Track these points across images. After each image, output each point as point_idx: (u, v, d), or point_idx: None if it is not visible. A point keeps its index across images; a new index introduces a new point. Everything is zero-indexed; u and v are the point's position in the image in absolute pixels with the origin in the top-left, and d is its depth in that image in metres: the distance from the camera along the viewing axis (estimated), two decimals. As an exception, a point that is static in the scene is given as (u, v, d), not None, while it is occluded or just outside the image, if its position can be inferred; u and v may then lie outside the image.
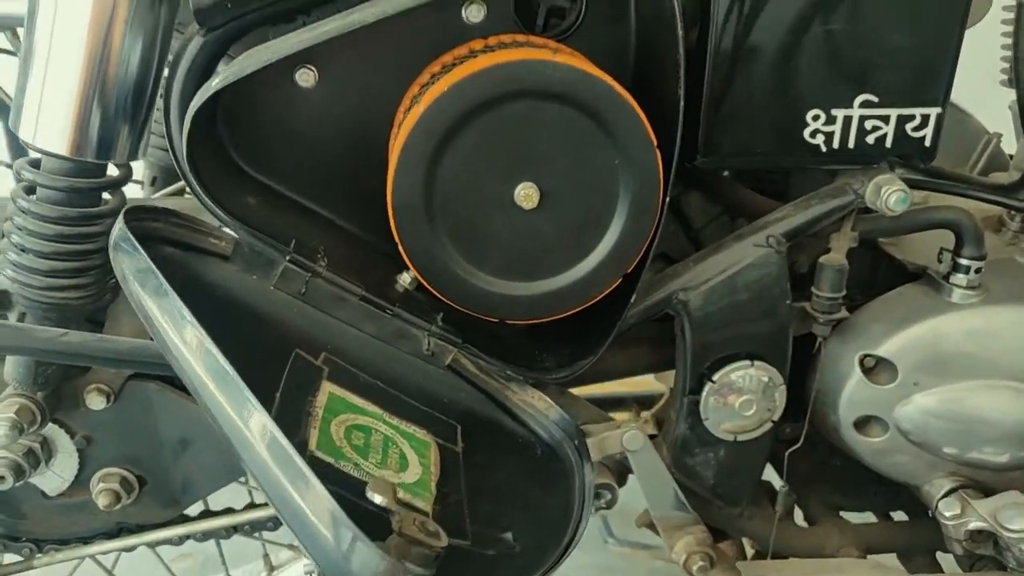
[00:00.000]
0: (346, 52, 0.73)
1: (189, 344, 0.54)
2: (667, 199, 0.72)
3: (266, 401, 0.60)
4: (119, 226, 0.60)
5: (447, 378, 0.75)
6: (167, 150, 0.74)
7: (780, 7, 0.73)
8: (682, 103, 0.69)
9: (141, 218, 0.65)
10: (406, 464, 0.65)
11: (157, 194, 1.07)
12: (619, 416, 1.25)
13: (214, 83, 0.65)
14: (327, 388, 0.67)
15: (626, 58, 0.75)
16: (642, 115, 0.68)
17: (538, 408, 0.76)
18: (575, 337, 0.79)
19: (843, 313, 0.84)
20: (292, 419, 0.62)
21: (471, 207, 0.70)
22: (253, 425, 0.55)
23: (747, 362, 0.84)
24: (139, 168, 1.16)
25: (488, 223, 0.71)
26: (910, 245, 0.93)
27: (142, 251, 0.57)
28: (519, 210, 0.70)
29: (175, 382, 0.80)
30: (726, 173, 0.92)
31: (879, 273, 0.93)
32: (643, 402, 1.28)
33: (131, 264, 0.58)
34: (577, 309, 0.75)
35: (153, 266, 0.56)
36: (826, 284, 0.83)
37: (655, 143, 0.69)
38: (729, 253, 0.83)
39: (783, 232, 0.83)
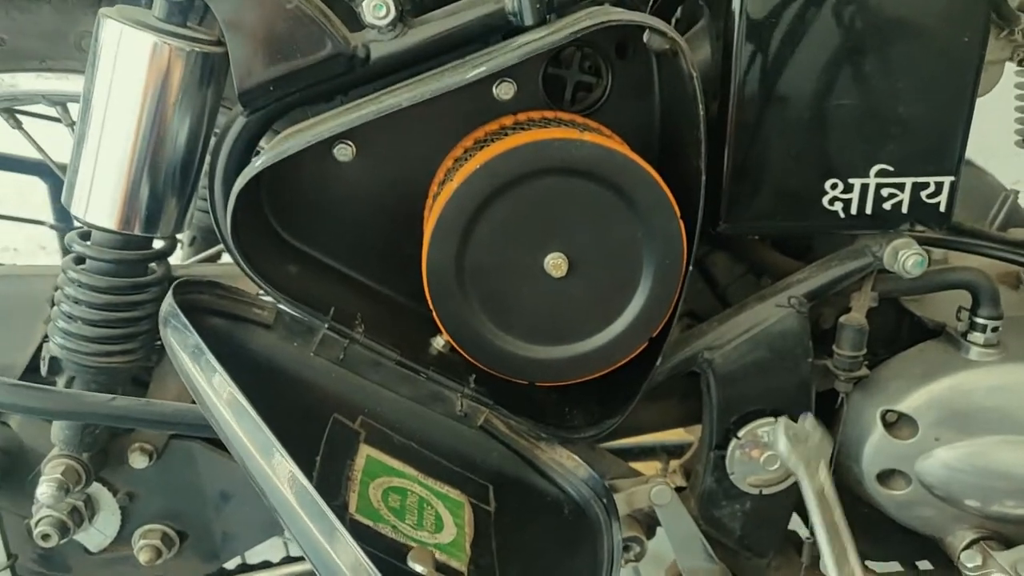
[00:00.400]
0: (382, 129, 0.76)
1: (236, 415, 0.57)
2: (690, 267, 0.74)
3: (307, 466, 0.63)
4: (168, 302, 0.64)
5: (479, 438, 0.77)
6: (206, 212, 0.77)
7: (797, 83, 0.76)
8: (703, 176, 0.71)
9: (188, 291, 0.68)
10: (441, 525, 0.68)
11: (196, 256, 1.10)
12: (648, 466, 1.28)
13: (257, 163, 0.68)
14: (365, 451, 0.70)
15: (651, 131, 0.78)
16: (665, 188, 0.71)
17: (567, 467, 0.78)
18: (603, 396, 0.81)
19: (863, 371, 0.86)
20: (332, 483, 0.65)
21: (502, 275, 0.73)
22: (295, 492, 0.57)
23: (772, 418, 0.86)
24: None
25: (518, 290, 0.74)
26: (931, 302, 0.94)
27: (192, 329, 0.60)
28: (548, 278, 0.73)
29: (216, 441, 0.83)
30: (754, 236, 0.94)
31: (902, 329, 0.94)
32: (672, 451, 1.31)
33: (180, 340, 0.61)
34: (604, 372, 0.77)
35: (202, 343, 0.60)
36: (847, 343, 0.85)
37: (678, 214, 0.72)
38: (752, 313, 0.85)
39: (804, 293, 0.85)
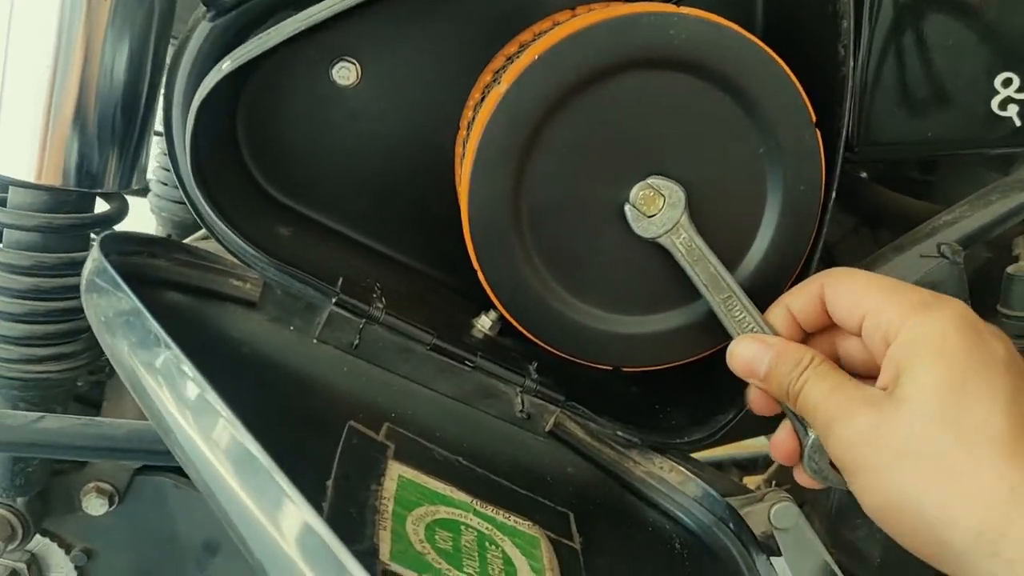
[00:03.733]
0: (395, 38, 0.57)
1: (196, 414, 0.36)
2: (832, 195, 0.54)
3: (313, 494, 0.42)
4: (93, 257, 0.43)
5: (549, 448, 0.57)
6: (182, 202, 0.57)
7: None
8: (850, 64, 0.51)
9: (130, 251, 0.47)
10: (514, 572, 0.47)
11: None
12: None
13: (225, 64, 0.48)
14: (395, 470, 0.49)
15: (752, 14, 0.58)
16: (797, 85, 0.51)
17: (671, 483, 0.57)
18: (706, 386, 0.60)
19: (1044, 336, 0.65)
20: (352, 518, 0.44)
21: (574, 219, 0.53)
22: (293, 530, 0.36)
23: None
24: (151, 224, 1.01)
25: (596, 240, 0.53)
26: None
27: (124, 287, 0.40)
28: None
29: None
30: (863, 174, 0.75)
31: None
32: (744, 466, 1.09)
33: (109, 306, 0.40)
34: (714, 350, 0.57)
35: (140, 305, 0.39)
36: (1018, 299, 0.65)
37: (814, 119, 0.52)
38: (889, 268, 0.65)
39: (957, 238, 0.65)
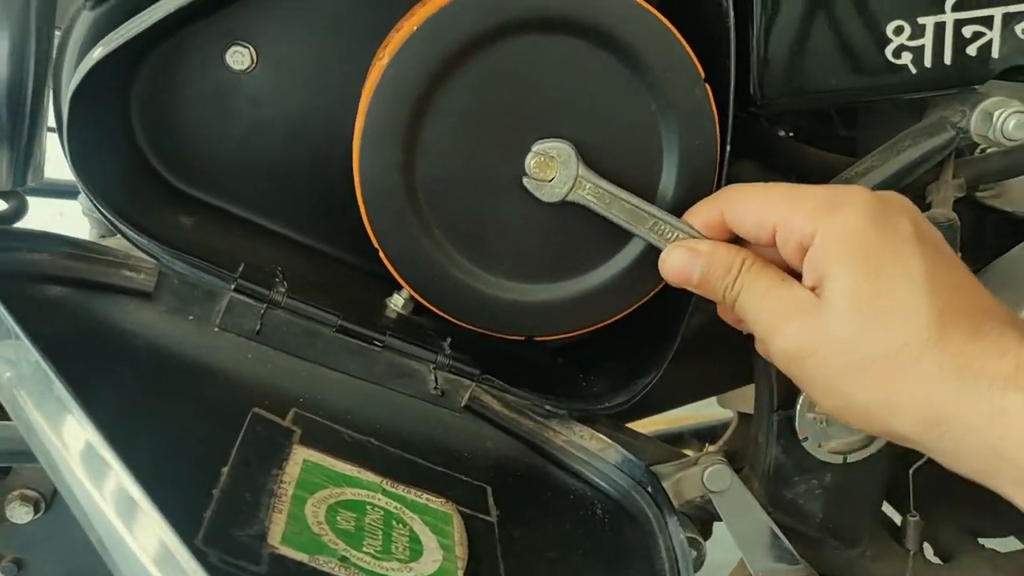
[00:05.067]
0: (289, 22, 0.56)
1: (46, 412, 0.35)
2: (727, 148, 0.54)
3: (205, 485, 0.42)
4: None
5: (466, 423, 0.56)
6: None
7: None
8: (731, 15, 0.51)
9: (9, 247, 0.46)
10: (419, 549, 0.46)
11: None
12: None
13: (96, 52, 0.47)
14: (300, 455, 0.49)
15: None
16: (682, 41, 0.51)
17: (591, 450, 0.57)
18: (627, 350, 0.60)
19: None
20: (245, 503, 0.43)
21: (471, 189, 0.52)
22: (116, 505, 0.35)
23: (848, 359, 0.65)
24: (84, 225, 0.99)
25: (496, 209, 0.53)
26: (1016, 193, 0.75)
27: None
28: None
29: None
30: (784, 132, 0.74)
31: (985, 233, 0.75)
32: (703, 435, 1.08)
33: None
34: (623, 313, 0.56)
35: (4, 311, 0.37)
36: (936, 246, 0.64)
37: (702, 75, 0.52)
38: (806, 222, 0.65)
39: (870, 188, 0.65)
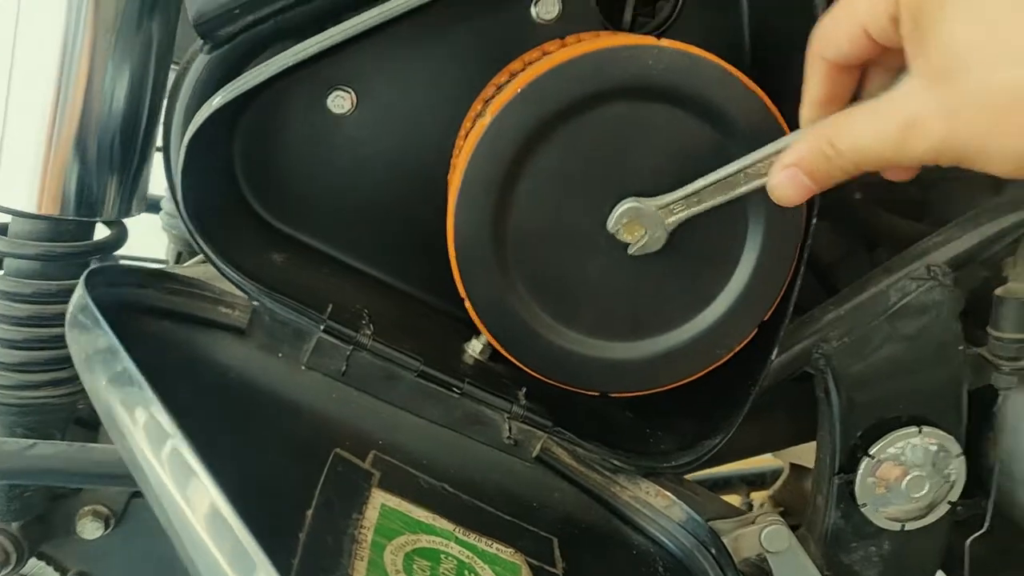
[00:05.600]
0: (389, 68, 0.58)
1: (167, 463, 0.36)
2: (814, 219, 0.54)
3: (291, 527, 0.43)
4: (78, 292, 0.44)
5: (536, 474, 0.57)
6: None
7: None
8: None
9: (118, 283, 0.48)
10: (493, 599, 0.47)
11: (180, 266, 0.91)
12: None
13: (216, 99, 0.50)
14: (378, 499, 0.50)
15: (740, 51, 0.59)
16: (778, 114, 0.52)
17: (656, 507, 0.58)
18: (697, 409, 0.61)
19: (1034, 360, 0.65)
20: (328, 549, 0.44)
21: (558, 246, 0.54)
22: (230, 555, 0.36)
23: (913, 428, 0.65)
24: (162, 243, 1.02)
25: (581, 266, 0.54)
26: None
27: (104, 324, 0.41)
28: (620, 247, 0.53)
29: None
30: (858, 194, 0.75)
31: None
32: (752, 482, 1.08)
33: (89, 343, 0.41)
34: (699, 374, 0.57)
35: (117, 343, 0.39)
36: (1008, 322, 0.65)
37: (794, 146, 0.52)
38: (879, 291, 0.65)
39: (947, 260, 0.65)
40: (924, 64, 0.39)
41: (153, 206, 0.94)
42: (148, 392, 0.37)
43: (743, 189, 0.50)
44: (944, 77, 0.38)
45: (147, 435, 0.36)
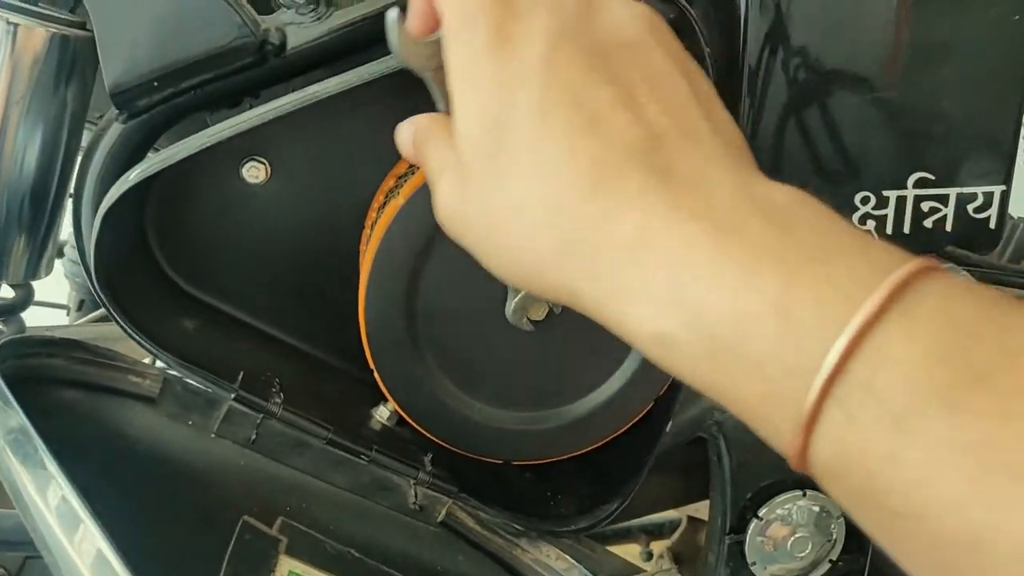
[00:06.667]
0: (304, 140, 0.59)
1: (77, 550, 0.37)
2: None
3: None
4: (-10, 367, 0.45)
5: (441, 538, 0.59)
6: None
7: (821, 70, 0.62)
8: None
9: (27, 353, 0.49)
10: (395, 668, 0.49)
11: (79, 321, 0.90)
12: (623, 550, 1.09)
13: (133, 174, 0.51)
14: (286, 567, 0.51)
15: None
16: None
17: (557, 570, 0.60)
18: (596, 474, 0.64)
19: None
20: (239, 616, 0.46)
21: (465, 323, 0.56)
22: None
23: (798, 491, 0.70)
24: (63, 290, 1.01)
25: (487, 341, 0.57)
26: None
27: (13, 404, 0.41)
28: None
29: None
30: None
31: None
32: (651, 531, 1.12)
33: (1, 422, 0.41)
34: (599, 443, 0.60)
35: (27, 423, 0.40)
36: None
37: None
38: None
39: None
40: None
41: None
42: (60, 476, 0.38)
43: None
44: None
45: (59, 519, 0.37)
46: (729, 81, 0.62)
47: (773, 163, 0.62)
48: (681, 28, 0.54)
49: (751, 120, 0.62)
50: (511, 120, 0.33)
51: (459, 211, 0.36)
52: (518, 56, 0.33)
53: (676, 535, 1.06)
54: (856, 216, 0.65)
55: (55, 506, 0.37)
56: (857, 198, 0.64)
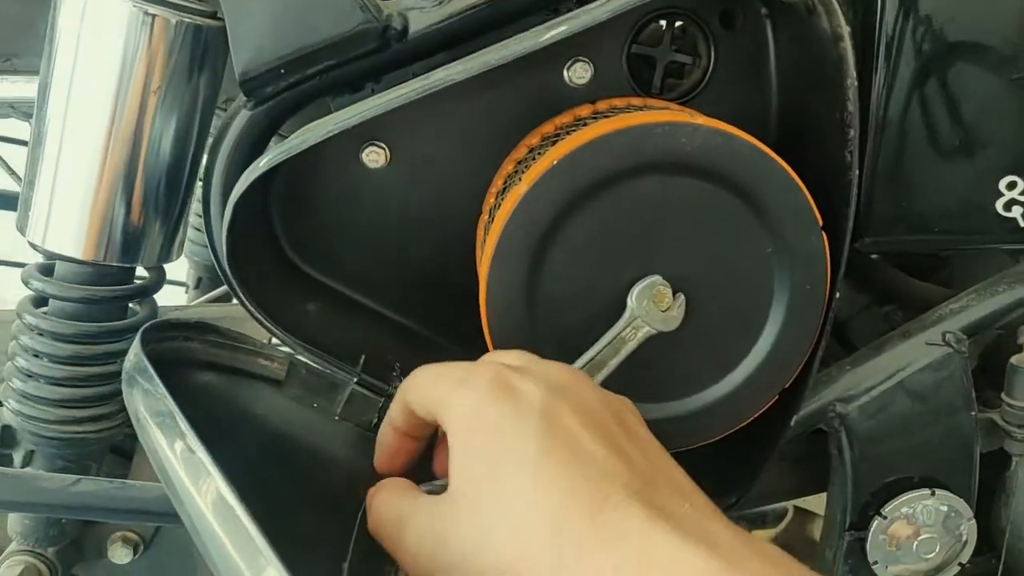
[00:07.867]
0: (423, 125, 0.59)
1: (219, 520, 0.38)
2: (836, 293, 0.56)
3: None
4: (134, 351, 0.46)
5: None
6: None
7: (963, 48, 0.58)
8: (855, 170, 0.54)
9: (168, 337, 0.50)
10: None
11: (199, 299, 0.93)
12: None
13: (262, 162, 0.51)
14: (409, 549, 0.52)
15: (766, 121, 0.61)
16: (804, 190, 0.53)
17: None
18: (719, 467, 0.62)
19: (1045, 426, 0.67)
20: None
21: (585, 312, 0.55)
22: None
23: (926, 491, 0.67)
24: (182, 267, 1.04)
25: (606, 328, 0.55)
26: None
27: (162, 390, 0.43)
28: (648, 312, 0.55)
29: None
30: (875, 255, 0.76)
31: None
32: (753, 520, 1.10)
33: (147, 405, 0.43)
34: (722, 435, 0.59)
35: (176, 409, 0.41)
36: (1022, 391, 0.66)
37: (820, 223, 0.54)
38: (895, 354, 0.67)
39: (962, 327, 0.66)
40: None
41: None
42: (206, 457, 0.39)
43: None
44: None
45: (209, 503, 0.38)
46: (863, 57, 0.59)
47: (913, 147, 0.59)
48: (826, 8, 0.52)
49: (888, 103, 0.59)
50: (512, 455, 0.40)
51: (442, 536, 0.41)
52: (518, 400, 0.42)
53: (783, 525, 1.04)
54: (1000, 203, 0.61)
55: (193, 477, 0.38)
56: (1002, 183, 0.61)
